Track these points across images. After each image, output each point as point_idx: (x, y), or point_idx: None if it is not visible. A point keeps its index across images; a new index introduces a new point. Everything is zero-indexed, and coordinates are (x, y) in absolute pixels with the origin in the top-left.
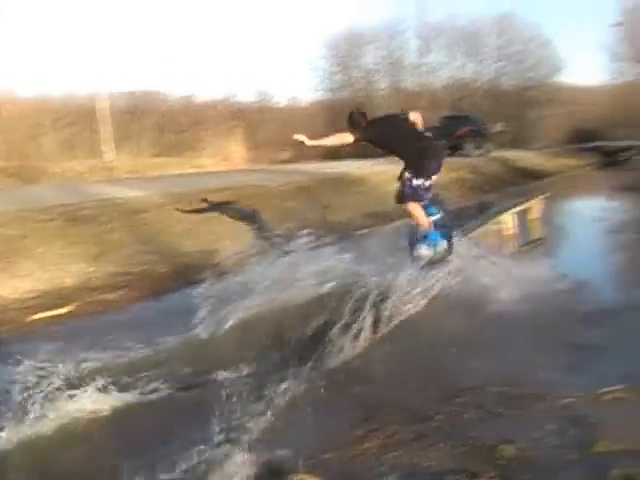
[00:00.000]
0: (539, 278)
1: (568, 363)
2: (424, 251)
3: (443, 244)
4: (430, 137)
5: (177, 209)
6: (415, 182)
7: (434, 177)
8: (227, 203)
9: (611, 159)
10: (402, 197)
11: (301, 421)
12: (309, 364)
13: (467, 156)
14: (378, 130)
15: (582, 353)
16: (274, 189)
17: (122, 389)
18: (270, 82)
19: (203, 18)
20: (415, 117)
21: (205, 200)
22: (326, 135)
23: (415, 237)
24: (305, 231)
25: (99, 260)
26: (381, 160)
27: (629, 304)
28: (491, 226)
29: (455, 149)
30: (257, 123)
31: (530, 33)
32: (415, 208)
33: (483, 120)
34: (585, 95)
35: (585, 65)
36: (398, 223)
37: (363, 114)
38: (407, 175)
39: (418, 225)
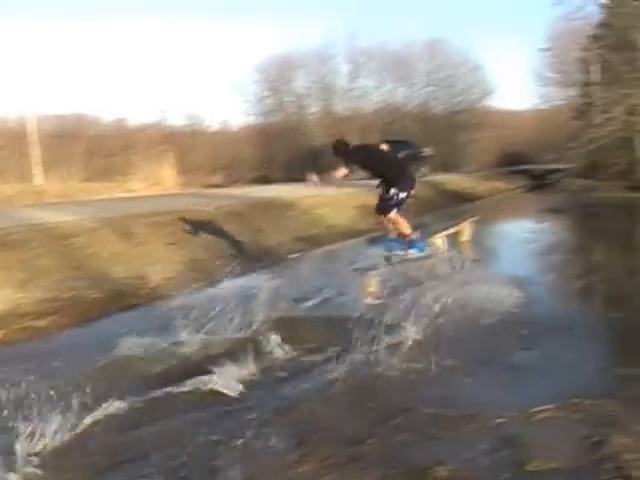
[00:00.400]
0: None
1: (500, 383)
2: (415, 253)
3: (426, 248)
4: (407, 161)
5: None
6: (401, 196)
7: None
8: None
9: (539, 182)
10: (388, 209)
11: (237, 446)
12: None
13: None
14: (365, 155)
15: (514, 373)
16: (206, 213)
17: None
18: (201, 106)
19: (134, 41)
20: (384, 147)
21: (184, 219)
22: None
23: (398, 243)
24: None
25: (28, 286)
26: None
27: (560, 324)
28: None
29: None
30: (188, 147)
31: (460, 58)
32: (398, 218)
33: (420, 144)
34: (514, 119)
35: (514, 90)
36: (328, 247)
37: (346, 143)
38: (394, 191)
39: (402, 232)
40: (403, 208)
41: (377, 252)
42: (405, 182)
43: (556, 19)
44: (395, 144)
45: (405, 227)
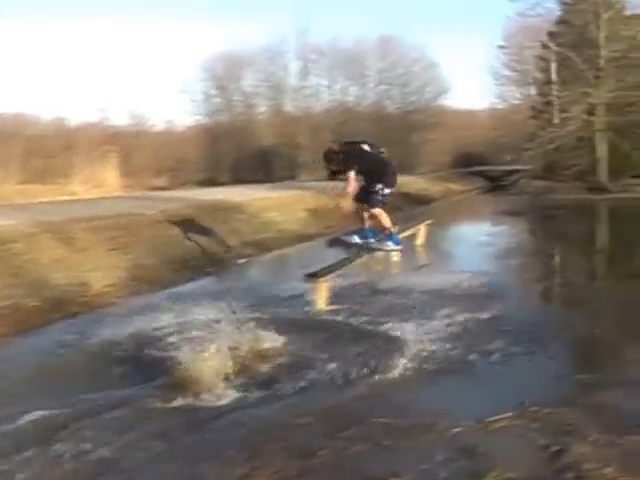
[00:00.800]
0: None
1: (458, 390)
2: (391, 246)
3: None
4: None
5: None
6: (385, 191)
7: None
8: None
9: (496, 183)
10: (375, 203)
11: (183, 461)
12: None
13: None
14: (356, 157)
15: (472, 379)
16: (151, 217)
17: None
18: (146, 105)
19: (75, 38)
20: (367, 148)
21: (128, 223)
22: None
23: (378, 236)
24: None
25: None
26: (262, 186)
27: (517, 329)
28: (379, 253)
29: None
30: (132, 148)
31: (414, 55)
32: (381, 213)
33: (379, 146)
34: (470, 119)
35: (470, 88)
36: (278, 252)
37: (337, 151)
38: (379, 186)
39: (383, 226)
40: (385, 202)
41: (335, 255)
42: (389, 178)
43: (513, 15)
44: (353, 145)
45: (386, 221)
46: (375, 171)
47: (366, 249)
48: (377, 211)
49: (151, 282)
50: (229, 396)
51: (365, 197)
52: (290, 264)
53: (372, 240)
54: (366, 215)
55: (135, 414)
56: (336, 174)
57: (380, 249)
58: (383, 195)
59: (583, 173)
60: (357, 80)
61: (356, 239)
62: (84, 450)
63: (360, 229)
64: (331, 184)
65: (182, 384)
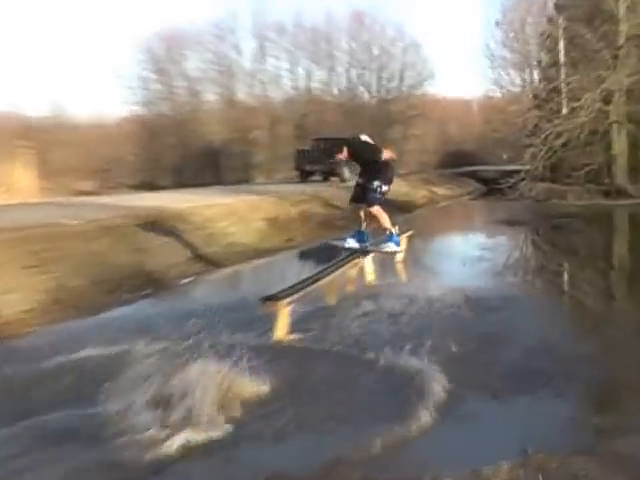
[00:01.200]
0: None
1: (450, 435)
2: (392, 247)
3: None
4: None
5: None
6: (383, 188)
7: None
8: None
9: (491, 186)
10: (374, 202)
11: None
12: None
13: (344, 181)
14: (359, 150)
15: (468, 422)
16: (74, 229)
17: None
18: (69, 93)
19: None
20: (366, 138)
21: (48, 237)
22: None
23: (377, 239)
24: None
25: None
26: (211, 191)
27: (521, 362)
28: (351, 269)
29: (330, 174)
30: (52, 144)
31: (393, 34)
32: (381, 212)
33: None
34: (460, 110)
35: (460, 73)
36: (229, 270)
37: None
38: (377, 183)
39: (382, 226)
40: (383, 201)
41: (298, 271)
42: (387, 175)
43: None
44: (329, 142)
45: (386, 221)
46: (375, 166)
47: (362, 253)
48: (376, 209)
49: (78, 306)
50: (173, 447)
51: (363, 196)
52: (243, 284)
53: (369, 243)
54: (363, 216)
55: (64, 472)
56: (311, 174)
57: (380, 251)
58: (381, 193)
59: (597, 174)
60: (324, 63)
61: (352, 243)
62: None
63: (357, 232)
64: (300, 187)
65: (118, 433)
